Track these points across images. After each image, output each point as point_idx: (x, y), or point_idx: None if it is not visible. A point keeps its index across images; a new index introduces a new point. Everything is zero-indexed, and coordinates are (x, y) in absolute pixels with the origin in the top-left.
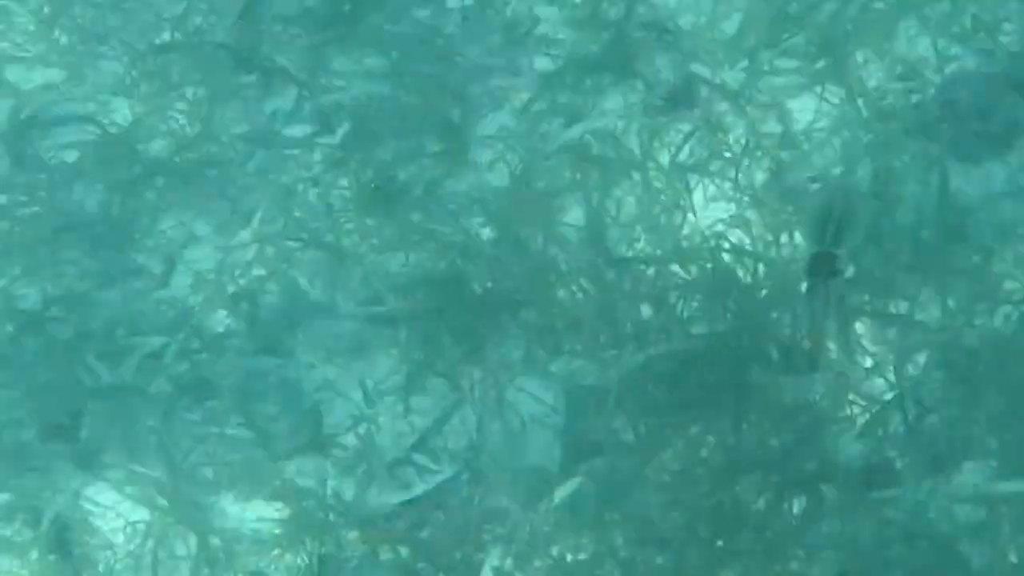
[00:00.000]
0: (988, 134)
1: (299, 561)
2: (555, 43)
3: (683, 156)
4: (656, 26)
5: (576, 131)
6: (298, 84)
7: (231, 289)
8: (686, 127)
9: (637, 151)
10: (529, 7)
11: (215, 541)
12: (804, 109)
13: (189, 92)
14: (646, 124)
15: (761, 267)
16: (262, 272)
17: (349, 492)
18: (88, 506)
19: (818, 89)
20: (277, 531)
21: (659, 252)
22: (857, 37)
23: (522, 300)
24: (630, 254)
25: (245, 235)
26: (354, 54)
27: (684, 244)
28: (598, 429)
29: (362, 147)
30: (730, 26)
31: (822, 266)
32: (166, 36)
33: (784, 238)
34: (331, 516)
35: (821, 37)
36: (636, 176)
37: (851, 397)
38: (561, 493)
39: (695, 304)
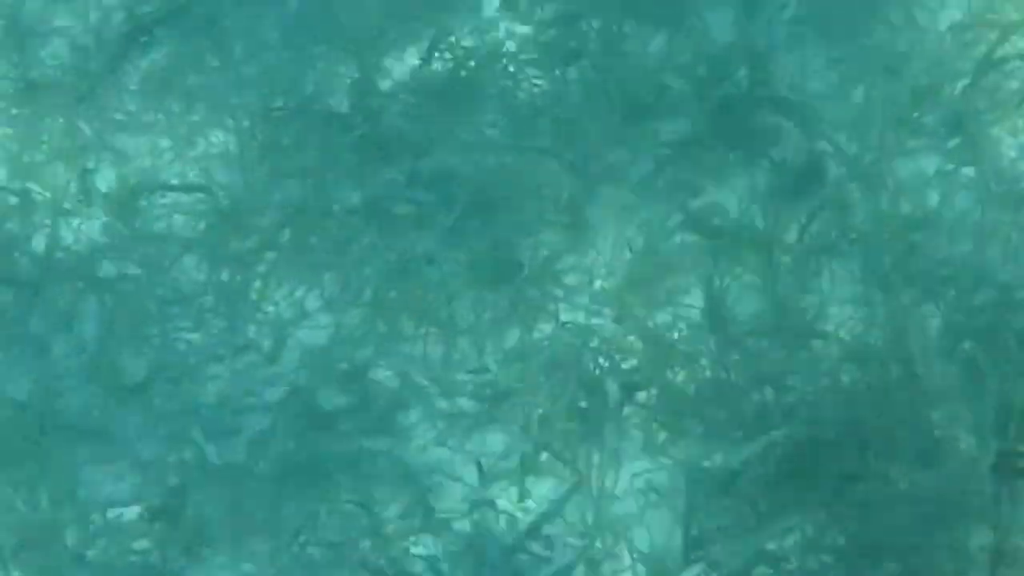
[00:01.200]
0: None
1: None
2: (678, 116)
3: (809, 236)
4: (782, 101)
5: (698, 208)
6: (414, 154)
7: (342, 366)
8: (812, 206)
9: (761, 229)
10: (653, 77)
11: None
12: (935, 188)
13: (301, 161)
14: (771, 202)
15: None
16: (374, 349)
17: None
18: None
19: (950, 168)
20: None
21: (782, 333)
22: (991, 114)
23: (641, 380)
24: (752, 335)
25: (357, 311)
26: (472, 123)
27: (808, 326)
28: (720, 514)
29: (479, 219)
30: (858, 100)
31: (1007, 465)
32: (279, 103)
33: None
34: None
35: (953, 114)
36: (760, 255)
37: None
38: None
39: (821, 387)
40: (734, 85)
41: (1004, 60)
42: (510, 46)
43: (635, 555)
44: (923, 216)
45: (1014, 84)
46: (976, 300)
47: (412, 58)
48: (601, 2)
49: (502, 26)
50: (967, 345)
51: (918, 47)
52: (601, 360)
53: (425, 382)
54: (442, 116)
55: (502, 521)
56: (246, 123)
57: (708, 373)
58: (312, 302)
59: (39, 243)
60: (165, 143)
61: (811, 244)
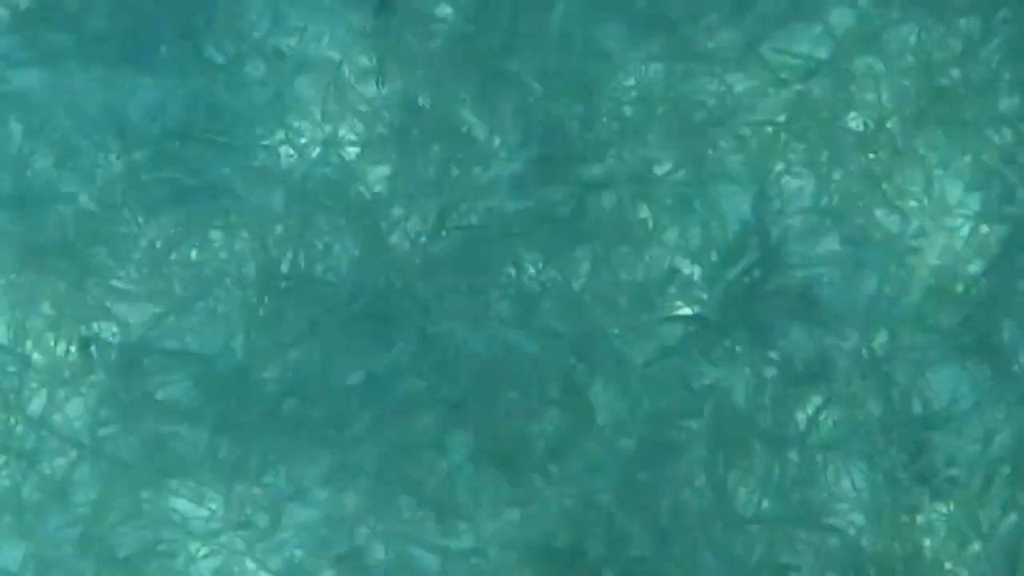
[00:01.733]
0: None
1: None
2: (687, 301)
3: (816, 431)
4: (793, 292)
5: (705, 397)
6: (418, 329)
7: (337, 550)
8: (820, 400)
9: (768, 421)
10: (667, 262)
11: None
12: (947, 386)
13: (303, 335)
14: (778, 394)
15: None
16: (371, 531)
17: None
18: None
19: (962, 366)
20: None
21: (787, 525)
22: (1005, 313)
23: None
24: (756, 524)
25: (353, 493)
26: (478, 300)
27: (815, 520)
28: None
29: (482, 401)
30: (871, 293)
31: None
32: (283, 272)
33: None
34: None
35: (964, 315)
36: (766, 447)
37: None
38: None
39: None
40: (746, 273)
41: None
42: (517, 223)
43: None
44: (934, 415)
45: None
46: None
47: (418, 231)
48: (613, 180)
49: (510, 203)
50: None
51: (933, 241)
52: (604, 546)
53: (424, 564)
54: (448, 291)
55: None
56: (249, 292)
57: (712, 562)
58: (311, 478)
59: (36, 409)
60: (166, 311)
61: (819, 439)
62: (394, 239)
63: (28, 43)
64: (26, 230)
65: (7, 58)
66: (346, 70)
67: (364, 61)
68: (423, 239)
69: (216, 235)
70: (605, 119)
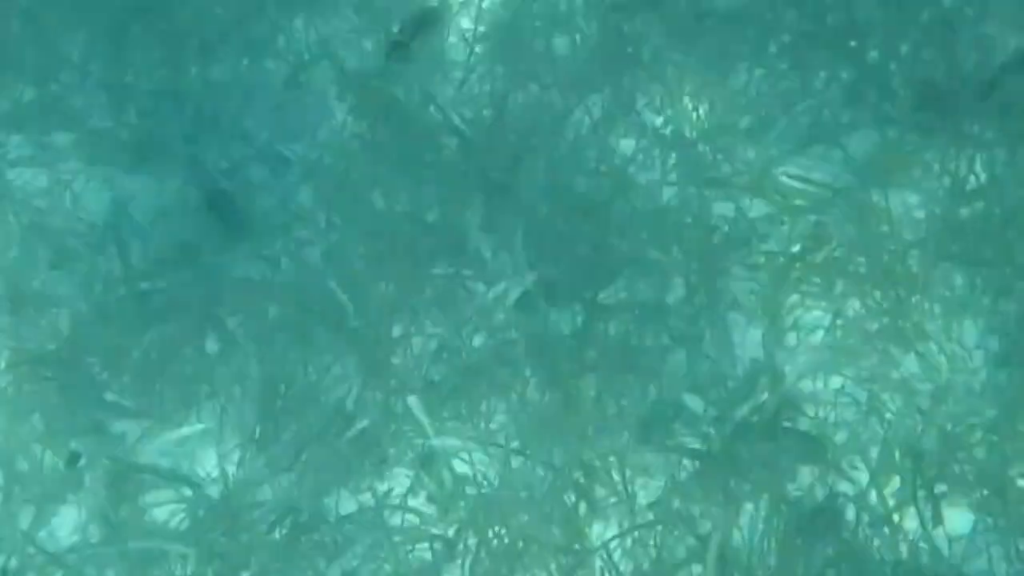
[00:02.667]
0: None
1: None
2: (692, 438)
3: None
4: (803, 434)
5: (708, 539)
6: (417, 457)
7: None
8: (829, 551)
9: (773, 567)
10: (674, 395)
11: None
12: (958, 543)
13: (299, 459)
14: (786, 541)
15: None
16: None
17: None
18: None
19: (974, 520)
20: None
21: None
22: (1017, 464)
23: None
24: None
25: None
26: (478, 428)
27: None
28: None
29: (479, 533)
30: (883, 437)
31: None
32: (280, 392)
33: None
34: None
35: (978, 469)
36: None
37: None
38: None
39: None
40: (755, 411)
41: None
42: (521, 347)
43: None
44: (945, 567)
45: None
46: None
47: (420, 351)
48: (622, 309)
49: (513, 330)
50: None
51: (950, 383)
52: None
53: None
54: (448, 416)
55: None
56: (244, 412)
57: None
58: None
59: (24, 522)
60: (158, 429)
61: None
62: (395, 360)
63: (29, 139)
64: (19, 334)
65: (6, 155)
66: (352, 179)
67: (371, 171)
68: (425, 361)
69: (213, 347)
70: (615, 240)
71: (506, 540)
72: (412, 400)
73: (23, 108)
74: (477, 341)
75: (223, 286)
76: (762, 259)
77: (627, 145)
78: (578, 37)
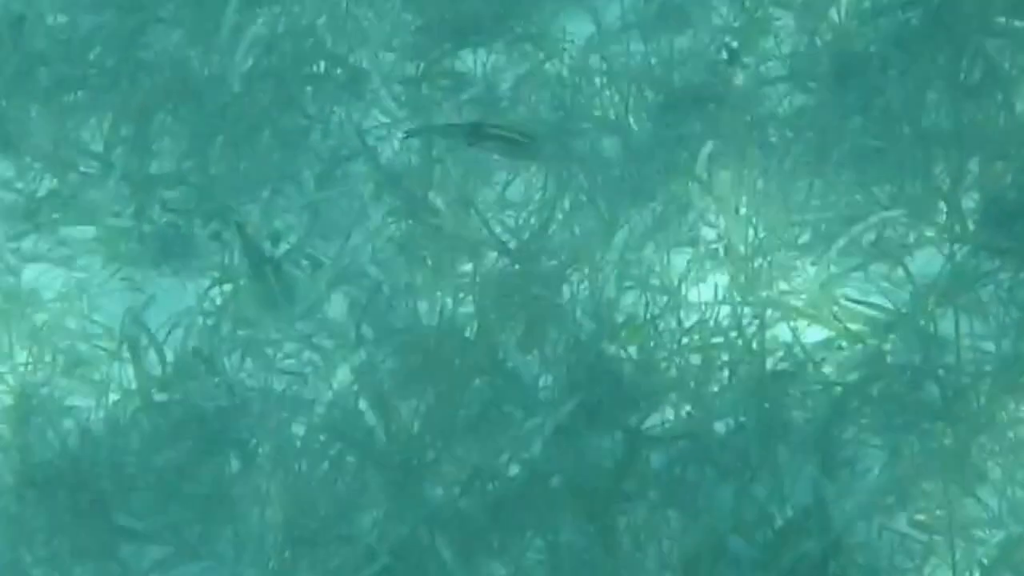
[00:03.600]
0: None
1: None
2: None
3: None
4: None
5: None
6: None
7: None
8: None
9: None
10: (718, 536)
11: None
12: None
13: None
14: None
15: None
16: None
17: None
18: None
19: None
20: None
21: None
22: None
23: None
24: None
25: None
26: (507, 560)
27: None
28: None
29: None
30: None
31: None
32: (302, 525)
33: None
34: None
35: None
36: None
37: None
38: None
39: None
40: (803, 558)
41: None
42: (558, 476)
43: None
44: None
45: None
46: None
47: (451, 479)
48: (666, 438)
49: (552, 454)
50: None
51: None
52: None
53: None
54: (478, 551)
55: None
56: (262, 541)
57: None
58: None
59: None
60: (172, 559)
61: None
62: (425, 486)
63: (45, 234)
64: (26, 449)
65: (20, 251)
66: (386, 289)
67: (406, 279)
68: (456, 489)
69: (231, 467)
70: (663, 364)
71: None
72: (439, 534)
73: (40, 200)
74: (512, 470)
75: (245, 400)
76: (817, 388)
77: (678, 259)
78: (628, 140)
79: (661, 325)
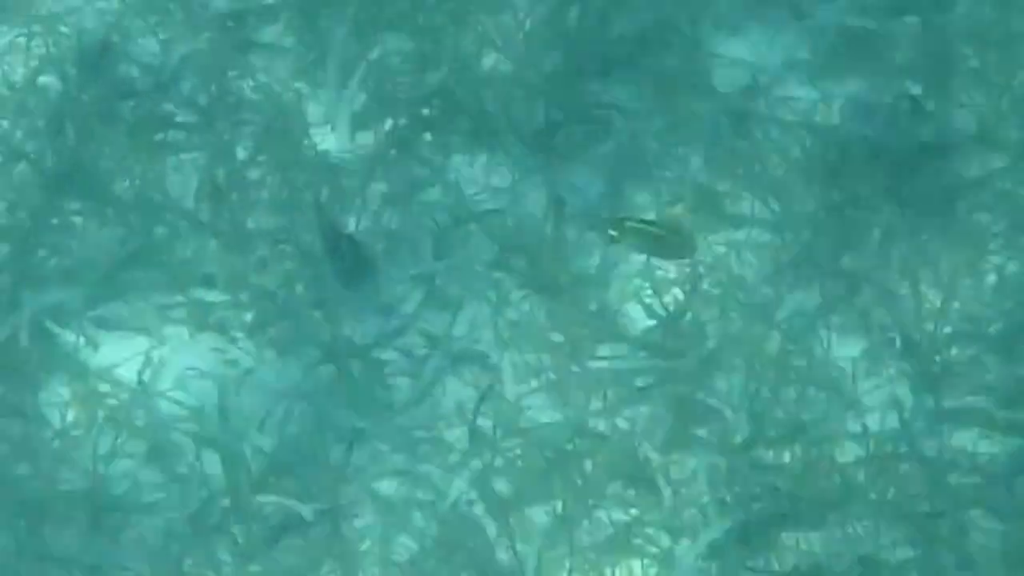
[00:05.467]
0: None
1: None
2: None
3: None
4: None
5: None
6: None
7: None
8: None
9: None
10: None
11: None
12: None
13: None
14: None
15: None
16: None
17: None
18: None
19: None
20: None
21: None
22: None
23: None
24: None
25: None
26: None
27: None
28: None
29: None
30: None
31: None
32: None
33: None
34: None
35: None
36: None
37: None
38: None
39: None
40: None
41: None
42: None
43: None
44: None
45: None
46: None
47: None
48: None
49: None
50: None
51: None
52: None
53: None
54: None
55: None
56: None
57: None
58: None
59: None
60: None
61: None
62: None
63: (126, 300)
64: (98, 551)
65: (99, 318)
66: (506, 373)
67: (531, 362)
68: None
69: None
70: (826, 474)
71: None
72: None
73: (122, 259)
74: None
75: (351, 502)
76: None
77: (846, 349)
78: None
79: (825, 428)
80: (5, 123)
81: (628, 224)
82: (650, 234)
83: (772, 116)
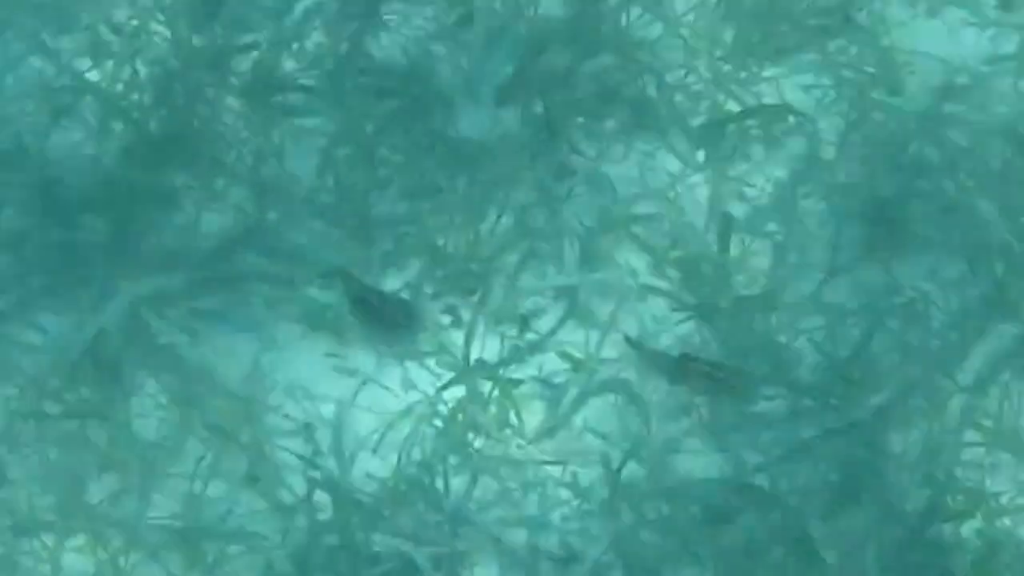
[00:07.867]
0: None
1: None
2: None
3: None
4: None
5: None
6: None
7: None
8: None
9: None
10: None
11: None
12: None
13: None
14: None
15: None
16: None
17: None
18: None
19: None
20: None
21: None
22: None
23: None
24: None
25: None
26: None
27: None
28: None
29: None
30: None
31: None
32: None
33: None
34: None
35: None
36: None
37: None
38: None
39: None
40: None
41: None
42: None
43: None
44: None
45: None
46: None
47: None
48: None
49: None
50: None
51: None
52: None
53: None
54: None
55: None
56: None
57: None
58: None
59: None
60: None
61: None
62: None
63: (231, 291)
64: None
65: (200, 311)
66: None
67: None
68: None
69: None
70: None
71: None
72: None
73: (230, 241)
74: None
75: (472, 547)
76: None
77: None
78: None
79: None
80: (104, 74)
81: (689, 365)
82: (710, 376)
83: None
